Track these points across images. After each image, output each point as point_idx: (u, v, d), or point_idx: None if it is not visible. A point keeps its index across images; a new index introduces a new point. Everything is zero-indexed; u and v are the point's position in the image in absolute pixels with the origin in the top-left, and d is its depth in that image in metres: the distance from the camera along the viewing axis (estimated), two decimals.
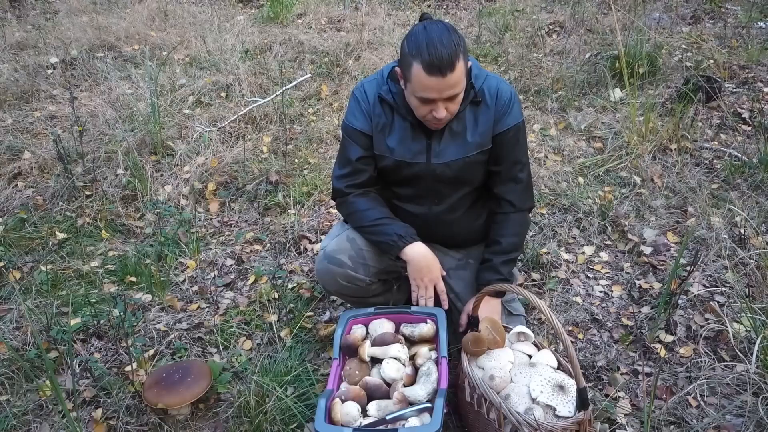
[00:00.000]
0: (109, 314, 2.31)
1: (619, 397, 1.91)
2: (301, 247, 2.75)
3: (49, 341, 2.17)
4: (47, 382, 2.02)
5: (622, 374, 2.01)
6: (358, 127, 1.83)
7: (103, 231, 2.87)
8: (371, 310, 1.93)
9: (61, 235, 2.84)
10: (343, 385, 1.74)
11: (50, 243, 2.79)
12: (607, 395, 1.92)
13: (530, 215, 1.99)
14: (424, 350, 1.80)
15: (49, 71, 4.41)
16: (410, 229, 1.82)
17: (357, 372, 1.78)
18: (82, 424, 1.89)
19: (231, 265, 2.67)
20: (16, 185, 3.17)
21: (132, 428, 1.88)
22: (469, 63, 1.69)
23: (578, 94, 3.95)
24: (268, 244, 2.80)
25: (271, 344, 2.20)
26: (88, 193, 3.09)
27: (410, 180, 1.85)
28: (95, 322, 2.27)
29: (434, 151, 1.79)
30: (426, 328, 1.82)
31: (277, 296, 2.40)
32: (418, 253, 1.79)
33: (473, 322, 1.77)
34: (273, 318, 2.30)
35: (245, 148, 3.37)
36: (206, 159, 3.31)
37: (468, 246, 2.01)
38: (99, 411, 1.93)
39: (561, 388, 1.59)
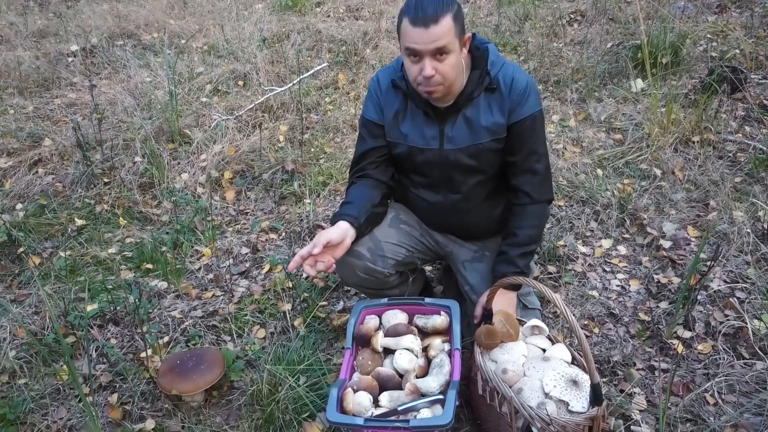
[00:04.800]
0: (126, 301, 2.34)
1: (635, 393, 1.89)
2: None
3: (67, 326, 2.21)
4: (64, 366, 2.06)
5: (637, 370, 1.98)
6: (369, 117, 1.87)
7: (121, 218, 2.90)
8: (385, 300, 1.92)
9: (79, 222, 2.87)
10: (356, 375, 1.75)
11: (69, 229, 2.83)
12: (622, 391, 1.89)
13: (549, 207, 1.96)
14: (437, 342, 1.79)
15: (70, 59, 4.45)
16: (345, 209, 1.80)
17: (369, 362, 1.78)
18: (97, 408, 1.92)
19: (246, 254, 2.68)
20: (37, 171, 3.22)
21: (146, 413, 1.91)
22: (468, 35, 1.69)
23: (599, 85, 3.88)
24: (284, 233, 2.81)
25: (285, 333, 2.21)
26: (106, 180, 3.12)
27: (424, 167, 1.85)
28: (112, 308, 2.30)
29: (447, 137, 1.78)
30: (439, 320, 1.81)
31: (291, 285, 2.41)
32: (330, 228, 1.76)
33: (487, 315, 1.75)
34: (287, 307, 2.31)
35: (262, 137, 3.38)
36: (223, 147, 3.31)
37: (484, 238, 1.99)
38: (114, 396, 1.96)
39: (575, 382, 1.57)
